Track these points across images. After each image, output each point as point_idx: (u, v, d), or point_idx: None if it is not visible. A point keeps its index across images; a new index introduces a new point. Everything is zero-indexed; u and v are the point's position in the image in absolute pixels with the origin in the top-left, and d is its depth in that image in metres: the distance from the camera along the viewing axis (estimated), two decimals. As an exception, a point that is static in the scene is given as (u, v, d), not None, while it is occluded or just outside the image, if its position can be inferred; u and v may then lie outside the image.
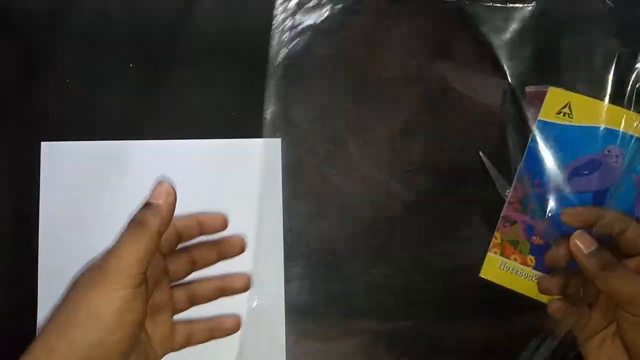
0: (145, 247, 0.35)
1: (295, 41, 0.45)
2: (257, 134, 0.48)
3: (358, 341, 0.47)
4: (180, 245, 0.44)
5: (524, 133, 0.47)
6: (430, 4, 0.48)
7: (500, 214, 0.47)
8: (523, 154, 0.47)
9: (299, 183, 0.48)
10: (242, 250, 0.46)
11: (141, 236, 0.35)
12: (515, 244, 0.46)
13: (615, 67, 0.46)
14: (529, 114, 0.47)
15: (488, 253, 0.47)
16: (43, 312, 0.47)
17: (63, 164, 0.48)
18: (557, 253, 0.42)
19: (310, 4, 0.44)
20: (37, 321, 0.47)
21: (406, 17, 0.48)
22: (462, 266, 0.47)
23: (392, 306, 0.47)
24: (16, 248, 0.48)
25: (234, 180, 0.48)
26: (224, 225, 0.44)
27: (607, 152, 0.46)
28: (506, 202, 0.47)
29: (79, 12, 0.50)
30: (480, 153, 0.48)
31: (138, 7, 0.50)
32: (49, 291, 0.47)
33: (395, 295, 0.47)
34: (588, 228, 0.42)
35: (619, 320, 0.39)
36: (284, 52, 0.46)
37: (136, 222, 0.36)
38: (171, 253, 0.43)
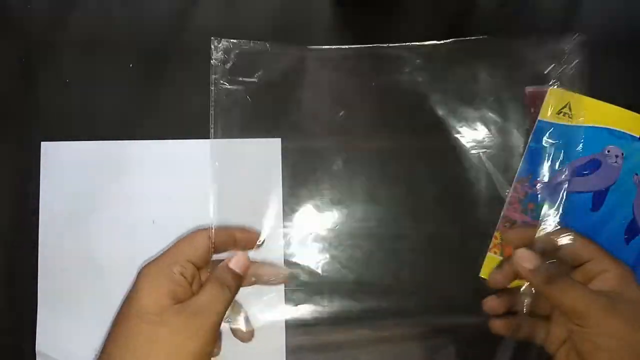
0: (226, 307, 0.40)
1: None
2: (257, 134, 0.48)
3: (354, 343, 0.47)
4: None
5: (524, 133, 0.47)
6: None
7: (500, 214, 0.47)
8: (523, 154, 0.47)
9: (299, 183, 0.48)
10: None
11: (224, 297, 0.39)
12: (515, 244, 0.46)
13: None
14: (529, 114, 0.47)
15: (488, 253, 0.47)
16: (43, 311, 0.47)
17: (63, 164, 0.48)
18: (502, 274, 0.43)
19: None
20: (37, 321, 0.46)
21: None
22: (462, 266, 0.47)
23: (390, 307, 0.47)
24: (16, 248, 0.48)
25: (233, 180, 0.48)
26: (256, 241, 0.45)
27: (607, 152, 0.46)
28: (506, 202, 0.47)
29: (79, 12, 0.50)
30: (480, 153, 0.48)
31: (138, 7, 0.50)
32: (49, 291, 0.47)
33: (394, 297, 0.47)
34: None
35: (569, 331, 0.39)
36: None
37: (220, 284, 0.40)
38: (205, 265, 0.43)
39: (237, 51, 0.42)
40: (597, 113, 0.46)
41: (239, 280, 0.41)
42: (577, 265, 0.40)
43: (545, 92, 0.47)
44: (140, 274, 0.39)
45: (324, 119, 0.48)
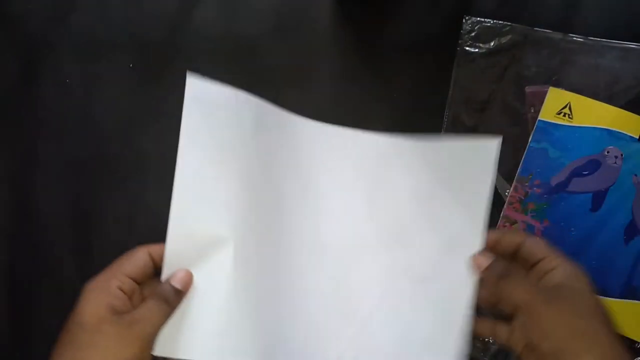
0: (164, 320, 0.41)
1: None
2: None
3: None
4: None
5: (524, 133, 0.47)
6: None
7: (500, 214, 0.47)
8: (523, 154, 0.47)
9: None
10: None
11: (162, 311, 0.41)
12: (515, 243, 0.47)
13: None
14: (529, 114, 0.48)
15: (488, 253, 0.47)
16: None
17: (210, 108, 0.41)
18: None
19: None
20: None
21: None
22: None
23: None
24: (16, 248, 0.48)
25: (436, 183, 0.44)
26: None
27: (606, 153, 0.46)
28: (506, 202, 0.47)
29: (79, 12, 0.50)
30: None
31: (138, 7, 0.50)
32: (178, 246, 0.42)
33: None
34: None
35: (521, 325, 0.40)
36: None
37: (160, 298, 0.41)
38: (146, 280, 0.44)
39: (479, 26, 0.48)
40: (597, 114, 0.46)
41: (180, 295, 0.42)
42: (534, 264, 0.42)
43: (545, 92, 0.47)
44: (82, 290, 0.41)
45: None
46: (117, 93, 0.49)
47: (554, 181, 0.47)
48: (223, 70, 0.49)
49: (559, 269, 0.40)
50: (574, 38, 0.47)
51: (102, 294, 0.40)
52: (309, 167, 0.44)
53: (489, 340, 0.47)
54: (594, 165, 0.46)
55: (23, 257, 0.48)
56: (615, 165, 0.46)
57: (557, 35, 0.47)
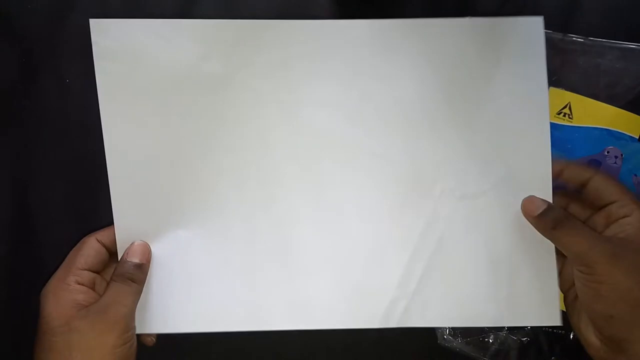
0: (133, 298, 0.40)
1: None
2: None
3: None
4: None
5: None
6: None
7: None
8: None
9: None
10: None
11: (128, 290, 0.40)
12: (515, 243, 0.46)
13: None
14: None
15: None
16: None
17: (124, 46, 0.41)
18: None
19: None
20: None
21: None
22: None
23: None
24: (16, 250, 0.48)
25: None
26: None
27: (606, 153, 0.46)
28: (506, 202, 0.47)
29: (79, 12, 0.50)
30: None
31: (138, 7, 0.50)
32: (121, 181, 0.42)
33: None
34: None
35: (574, 276, 0.37)
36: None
37: (123, 279, 0.40)
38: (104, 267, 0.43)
39: None
40: (597, 114, 0.46)
41: (143, 268, 0.41)
42: (602, 206, 0.38)
43: (546, 92, 0.47)
44: (41, 296, 0.40)
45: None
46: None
47: (554, 182, 0.46)
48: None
49: (633, 217, 0.35)
50: (574, 38, 0.47)
51: (62, 292, 0.39)
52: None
53: (488, 340, 0.47)
54: (594, 165, 0.46)
55: (23, 256, 0.48)
56: (615, 165, 0.46)
57: (557, 35, 0.47)
